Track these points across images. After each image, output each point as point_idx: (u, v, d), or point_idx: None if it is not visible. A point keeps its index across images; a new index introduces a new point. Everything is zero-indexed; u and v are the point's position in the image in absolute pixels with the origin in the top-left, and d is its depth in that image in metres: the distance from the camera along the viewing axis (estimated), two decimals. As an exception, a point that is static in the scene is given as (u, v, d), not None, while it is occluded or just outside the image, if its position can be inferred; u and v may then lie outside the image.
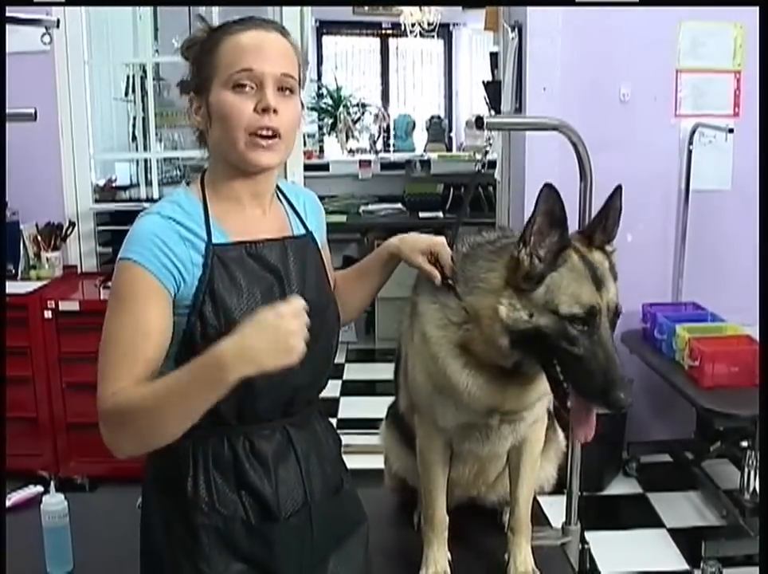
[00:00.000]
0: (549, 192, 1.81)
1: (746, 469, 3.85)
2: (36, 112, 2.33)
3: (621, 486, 4.47)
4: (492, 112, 5.19)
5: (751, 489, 3.83)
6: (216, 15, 4.71)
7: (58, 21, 2.58)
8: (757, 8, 3.74)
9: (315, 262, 1.95)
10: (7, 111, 2.55)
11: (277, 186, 1.97)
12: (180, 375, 1.58)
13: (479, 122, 2.24)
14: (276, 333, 1.53)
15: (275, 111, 1.74)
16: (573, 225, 2.22)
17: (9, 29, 2.82)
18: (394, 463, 2.52)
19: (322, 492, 1.91)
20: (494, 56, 5.40)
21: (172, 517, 1.80)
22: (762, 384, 2.80)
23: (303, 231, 1.95)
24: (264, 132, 1.74)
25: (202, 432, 1.70)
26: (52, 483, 2.36)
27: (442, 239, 2.11)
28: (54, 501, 2.29)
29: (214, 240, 1.76)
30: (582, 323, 1.79)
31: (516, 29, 4.41)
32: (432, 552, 2.26)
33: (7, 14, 2.44)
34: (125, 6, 4.93)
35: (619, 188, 1.91)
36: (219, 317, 1.71)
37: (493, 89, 5.04)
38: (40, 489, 2.61)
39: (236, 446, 1.80)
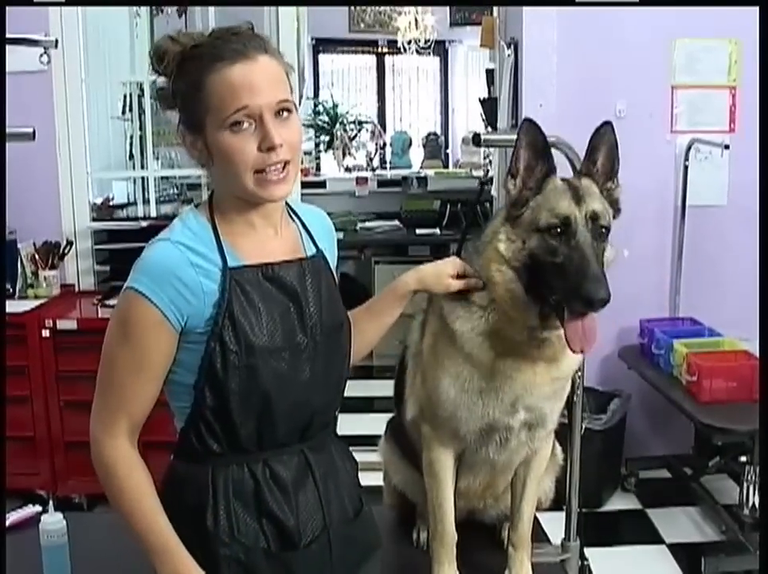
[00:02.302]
0: (530, 125, 1.93)
1: (744, 485, 3.84)
2: (34, 132, 2.33)
3: (619, 502, 4.46)
4: (489, 129, 5.21)
5: (750, 504, 3.82)
6: (212, 15, 4.73)
7: (56, 41, 2.59)
8: (756, 8, 3.75)
9: (329, 282, 1.94)
10: (6, 130, 2.55)
11: (287, 204, 1.94)
12: (151, 533, 1.73)
13: (475, 139, 2.25)
14: None
15: (280, 145, 1.71)
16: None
17: (8, 49, 2.83)
18: (394, 477, 2.52)
19: (340, 516, 1.90)
20: (490, 73, 5.43)
21: (192, 548, 1.77)
22: (763, 398, 2.79)
23: (314, 251, 1.94)
24: (274, 167, 1.72)
25: (222, 460, 1.70)
26: (51, 502, 2.35)
27: (454, 258, 2.18)
28: (53, 520, 2.28)
29: (230, 263, 1.74)
30: (560, 232, 1.87)
31: (512, 46, 4.43)
32: (444, 569, 2.23)
33: (6, 36, 2.46)
34: (123, 6, 4.91)
35: (605, 124, 2.00)
36: (240, 341, 1.69)
37: (489, 106, 5.07)
38: (38, 508, 2.60)
39: (255, 472, 1.78)
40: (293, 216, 1.97)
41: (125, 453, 1.74)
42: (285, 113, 1.75)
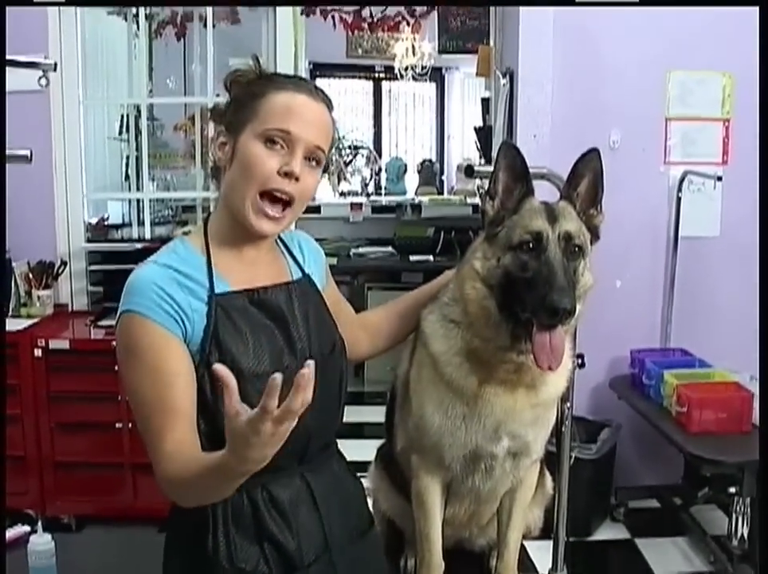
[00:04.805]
0: (508, 148, 1.97)
1: (734, 516, 3.83)
2: (31, 154, 2.34)
3: (608, 531, 4.45)
4: (483, 158, 5.24)
5: (739, 535, 3.81)
6: (210, 39, 4.76)
7: (55, 64, 2.61)
8: (756, 8, 3.76)
9: (317, 304, 1.97)
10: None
11: None
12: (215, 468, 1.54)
13: (468, 170, 2.28)
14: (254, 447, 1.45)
15: (297, 179, 1.76)
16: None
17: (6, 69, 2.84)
18: (383, 504, 2.52)
19: (343, 537, 1.90)
20: (485, 101, 5.46)
21: None
22: (763, 430, 2.80)
23: (300, 275, 1.97)
24: (278, 195, 1.76)
25: None
26: (39, 523, 2.35)
27: None
28: (41, 541, 2.29)
29: (217, 290, 1.76)
30: (531, 248, 1.90)
31: (508, 76, 4.46)
32: None
33: (6, 57, 2.47)
34: (124, 6, 4.93)
35: (591, 151, 2.01)
36: (227, 366, 1.68)
37: (484, 135, 5.10)
38: (27, 528, 2.60)
39: (255, 497, 1.79)
40: (278, 242, 2.01)
41: (179, 465, 1.63)
42: (314, 162, 1.82)
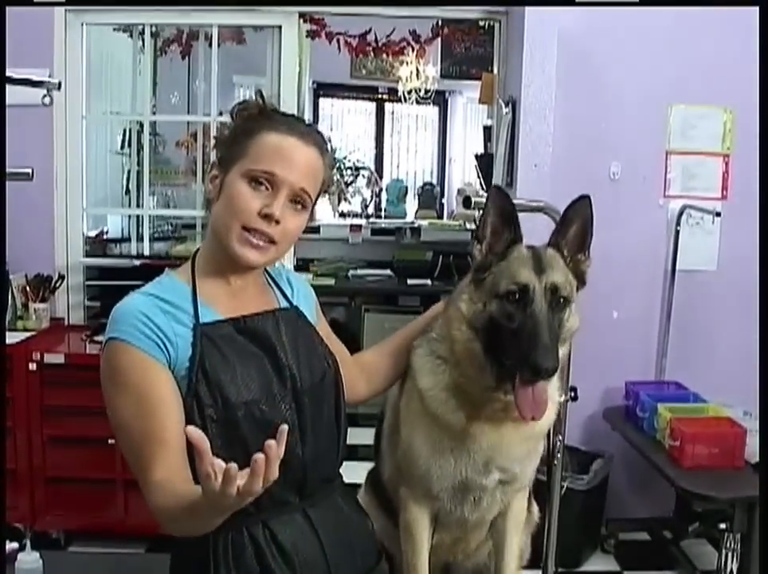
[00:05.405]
0: (498, 193, 1.98)
1: (723, 551, 3.82)
2: (33, 172, 2.34)
3: (598, 563, 4.43)
4: (482, 185, 5.25)
5: (728, 570, 3.80)
6: (215, 58, 4.78)
7: (60, 83, 2.62)
8: (755, 8, 3.78)
9: (306, 332, 1.97)
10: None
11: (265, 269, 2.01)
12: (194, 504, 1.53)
13: (466, 202, 2.28)
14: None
15: (277, 221, 1.77)
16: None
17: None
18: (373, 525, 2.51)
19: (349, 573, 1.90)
20: (487, 129, 5.47)
21: None
22: (763, 466, 2.80)
23: (287, 304, 1.98)
24: (259, 234, 1.78)
25: (222, 524, 1.62)
26: (27, 540, 2.34)
27: None
28: (29, 559, 2.29)
29: (202, 319, 1.77)
30: (517, 299, 1.91)
31: (510, 105, 4.47)
32: None
33: (10, 76, 2.48)
34: (126, 7, 4.94)
35: (582, 197, 2.01)
36: (215, 396, 1.71)
37: (485, 162, 5.10)
38: (15, 545, 2.59)
39: (256, 535, 1.78)
40: (265, 275, 2.03)
41: (167, 495, 1.62)
42: (299, 206, 1.84)
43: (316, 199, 1.90)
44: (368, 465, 2.58)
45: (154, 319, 1.72)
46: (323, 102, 10.16)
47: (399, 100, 9.58)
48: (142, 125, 5.33)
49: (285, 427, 1.40)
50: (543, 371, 1.83)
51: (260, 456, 1.36)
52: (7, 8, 2.87)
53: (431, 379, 2.08)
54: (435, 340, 2.12)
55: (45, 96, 2.53)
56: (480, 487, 2.11)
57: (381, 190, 9.71)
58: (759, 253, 3.59)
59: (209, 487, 1.38)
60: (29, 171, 2.33)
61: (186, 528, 1.63)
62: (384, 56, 8.26)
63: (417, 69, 9.07)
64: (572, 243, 2.04)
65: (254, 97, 1.91)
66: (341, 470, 2.05)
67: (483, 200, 2.03)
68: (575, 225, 2.04)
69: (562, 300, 1.95)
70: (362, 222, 8.36)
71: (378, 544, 2.12)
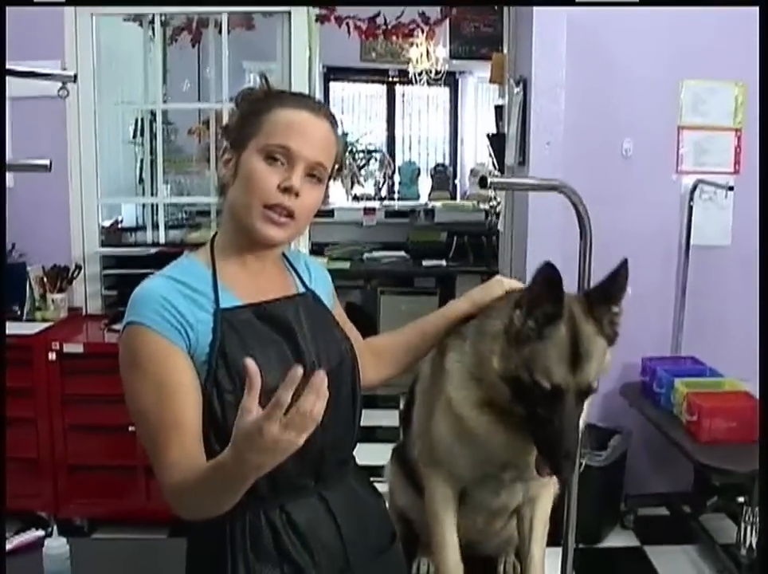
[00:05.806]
0: (547, 268, 1.87)
1: (743, 525, 3.84)
2: (51, 164, 2.33)
3: (618, 539, 4.46)
4: (495, 164, 5.25)
5: (748, 544, 3.82)
6: (225, 45, 4.79)
7: (75, 75, 2.62)
8: (756, 9, 3.78)
9: (324, 317, 1.98)
10: (22, 161, 2.59)
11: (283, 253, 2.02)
12: (215, 467, 1.52)
13: (482, 181, 2.27)
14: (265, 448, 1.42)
15: (296, 194, 1.77)
16: (573, 279, 2.28)
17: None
18: (400, 499, 2.52)
19: (364, 555, 1.89)
20: (499, 109, 5.47)
21: None
22: (762, 438, 2.81)
23: (303, 290, 1.99)
24: (278, 210, 1.77)
25: (238, 508, 1.62)
26: (54, 527, 2.36)
27: (499, 277, 2.26)
28: (56, 545, 2.29)
29: (223, 304, 1.77)
30: (548, 393, 1.86)
31: (521, 84, 4.47)
32: None
33: (27, 69, 2.49)
34: (129, 7, 4.95)
35: (625, 262, 1.95)
36: (234, 380, 1.70)
37: (497, 142, 5.11)
38: (41, 532, 2.61)
39: (273, 519, 1.78)
40: (283, 259, 2.02)
41: (183, 473, 1.61)
42: (315, 180, 1.83)
43: (331, 174, 1.89)
44: (389, 447, 2.59)
45: (176, 304, 1.72)
46: (334, 86, 10.15)
47: (410, 82, 9.56)
48: (154, 114, 5.33)
49: (300, 368, 1.39)
50: (561, 478, 1.87)
51: (320, 371, 1.39)
52: (18, 11, 2.87)
53: (460, 393, 2.06)
54: (467, 353, 2.08)
55: (61, 88, 2.54)
56: (499, 479, 2.13)
57: (393, 172, 9.71)
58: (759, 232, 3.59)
59: (244, 422, 1.38)
60: (47, 162, 2.33)
61: (200, 505, 1.62)
62: (393, 38, 8.27)
63: (427, 51, 9.05)
64: (609, 295, 1.99)
65: (259, 81, 1.90)
66: (354, 452, 2.06)
67: (499, 180, 2.00)
68: (616, 285, 1.97)
69: (591, 391, 1.92)
70: (376, 204, 8.37)
71: (391, 524, 2.12)
